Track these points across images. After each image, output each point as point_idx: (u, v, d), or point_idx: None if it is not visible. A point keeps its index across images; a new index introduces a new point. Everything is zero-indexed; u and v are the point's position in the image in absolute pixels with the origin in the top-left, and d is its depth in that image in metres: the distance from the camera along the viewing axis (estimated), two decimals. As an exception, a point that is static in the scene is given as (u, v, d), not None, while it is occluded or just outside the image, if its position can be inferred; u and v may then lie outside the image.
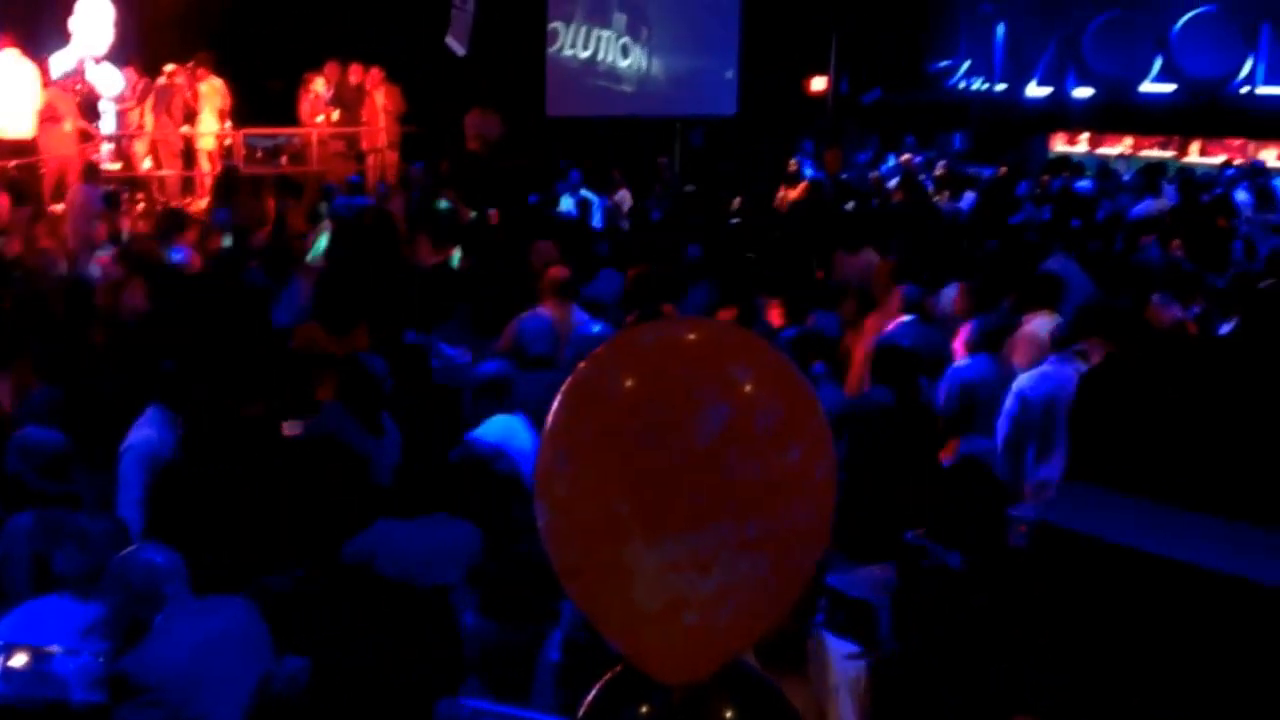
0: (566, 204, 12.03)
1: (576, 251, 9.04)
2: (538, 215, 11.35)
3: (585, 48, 16.59)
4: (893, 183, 13.04)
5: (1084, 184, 13.12)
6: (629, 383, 2.08)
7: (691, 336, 2.20)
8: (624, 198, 12.57)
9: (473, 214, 11.05)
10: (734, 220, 11.13)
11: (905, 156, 14.86)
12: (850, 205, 11.90)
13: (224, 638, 3.61)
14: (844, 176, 13.91)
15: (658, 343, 2.22)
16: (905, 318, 6.82)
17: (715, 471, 1.98)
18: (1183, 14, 15.29)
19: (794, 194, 12.45)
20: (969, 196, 12.03)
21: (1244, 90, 15.00)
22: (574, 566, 2.13)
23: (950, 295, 7.51)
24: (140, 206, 12.33)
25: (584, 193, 12.24)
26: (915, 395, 5.83)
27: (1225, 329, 6.83)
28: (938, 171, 13.31)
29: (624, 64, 16.77)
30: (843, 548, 5.42)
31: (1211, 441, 4.65)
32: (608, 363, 2.19)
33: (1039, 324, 6.73)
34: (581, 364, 2.18)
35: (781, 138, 15.96)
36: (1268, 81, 14.87)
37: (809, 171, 13.70)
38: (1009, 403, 5.84)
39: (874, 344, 6.56)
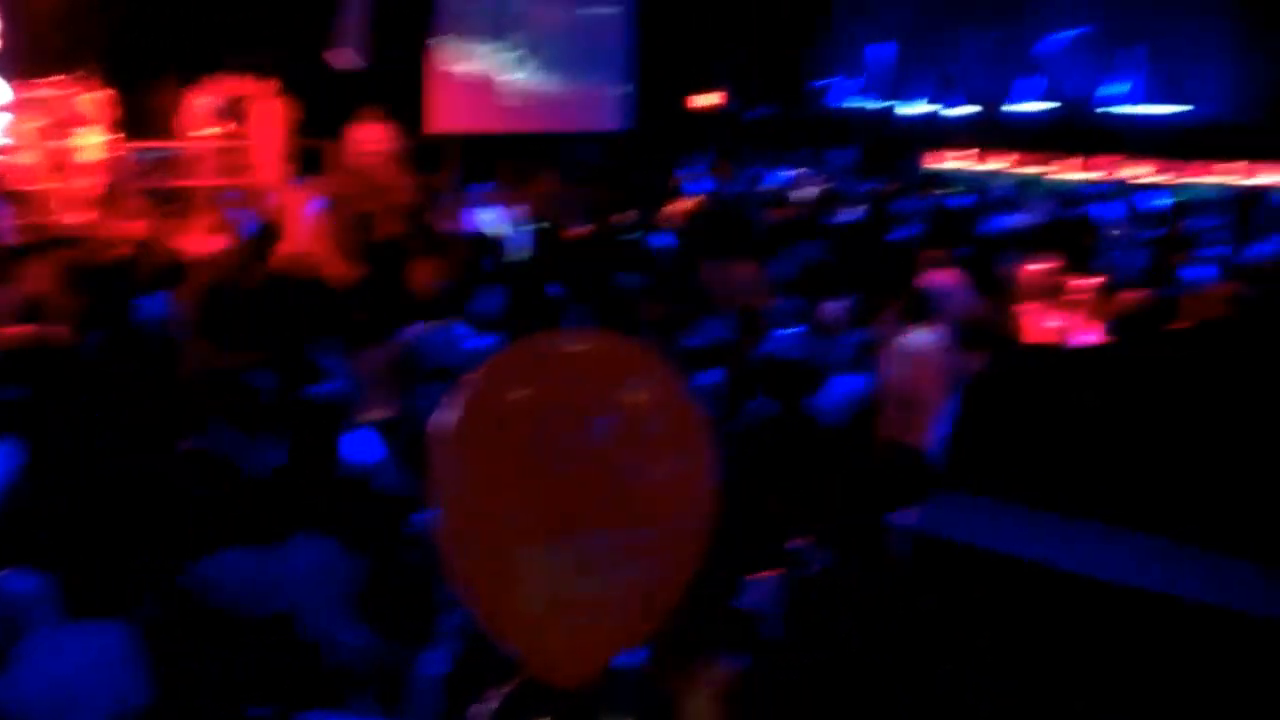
0: (483, 219, 12.03)
1: (465, 266, 9.01)
2: (427, 230, 11.27)
3: (474, 62, 16.53)
4: (795, 195, 13.23)
5: (961, 200, 13.46)
6: (520, 392, 2.14)
7: (581, 348, 2.27)
8: (512, 213, 12.51)
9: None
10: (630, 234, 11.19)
11: (806, 172, 15.09)
12: (743, 218, 12.05)
13: (92, 666, 3.49)
14: (733, 190, 14.08)
15: (549, 354, 2.28)
16: (790, 330, 6.91)
17: (603, 477, 2.04)
18: (1056, 34, 15.82)
19: (684, 207, 12.53)
20: (848, 211, 12.25)
21: (1114, 109, 15.55)
22: (467, 569, 2.17)
23: (835, 308, 7.63)
24: (18, 221, 11.90)
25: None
26: (799, 407, 5.88)
27: (1091, 339, 7.05)
28: (821, 187, 13.54)
29: (512, 78, 16.75)
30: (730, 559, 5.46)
31: (1086, 448, 4.79)
32: (500, 373, 2.22)
33: (916, 337, 6.87)
34: (474, 374, 2.19)
35: (672, 153, 16.11)
36: (1137, 100, 15.44)
37: (695, 186, 13.82)
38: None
39: (759, 356, 6.66)
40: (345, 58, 15.12)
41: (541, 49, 16.77)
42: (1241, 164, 14.90)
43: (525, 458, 2.06)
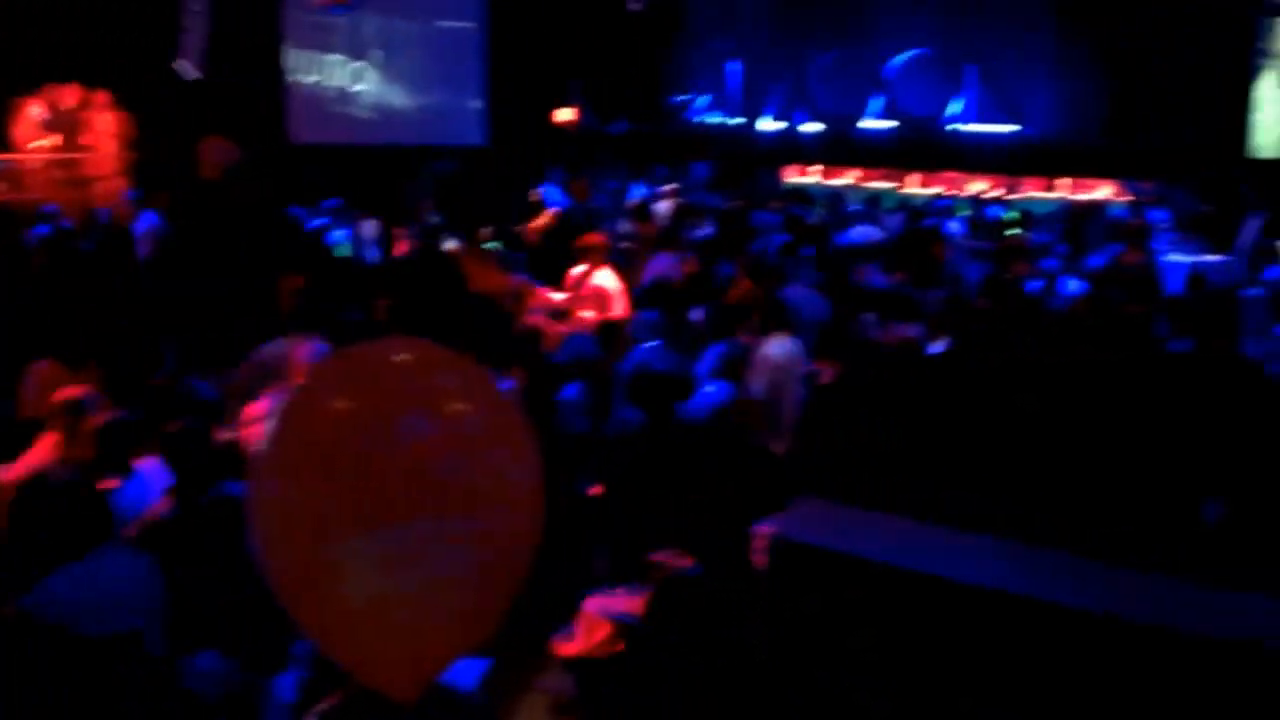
0: (337, 234, 11.91)
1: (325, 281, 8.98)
2: (286, 244, 11.15)
3: (324, 74, 16.38)
4: (661, 206, 13.44)
5: (816, 214, 13.82)
6: (337, 398, 2.18)
7: (399, 354, 2.32)
8: (369, 227, 12.45)
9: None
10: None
11: (672, 187, 15.31)
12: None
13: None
14: (594, 203, 14.21)
15: (367, 362, 2.33)
16: (650, 342, 7.04)
17: (416, 472, 2.09)
18: (897, 55, 16.40)
19: (539, 223, 12.64)
20: (708, 225, 12.48)
21: (954, 127, 16.20)
22: (286, 574, 2.17)
23: (695, 319, 7.81)
24: None
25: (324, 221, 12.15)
26: (667, 418, 6.01)
27: (937, 349, 7.36)
28: (679, 201, 13.78)
29: (363, 91, 16.65)
30: (599, 568, 5.59)
31: (929, 454, 5.05)
32: (319, 381, 2.28)
33: (775, 346, 7.09)
34: (298, 380, 2.26)
35: (531, 168, 16.21)
36: (974, 119, 16.12)
37: (552, 201, 13.93)
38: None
39: (626, 368, 6.78)
40: (189, 70, 14.85)
41: (396, 63, 16.73)
42: (1072, 179, 15.74)
43: (340, 460, 2.09)
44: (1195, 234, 11.71)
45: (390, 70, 16.71)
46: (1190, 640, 3.54)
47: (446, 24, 16.94)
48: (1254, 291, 8.44)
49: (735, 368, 6.65)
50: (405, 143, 16.59)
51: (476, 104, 17.11)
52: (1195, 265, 10.80)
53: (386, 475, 2.07)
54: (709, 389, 6.64)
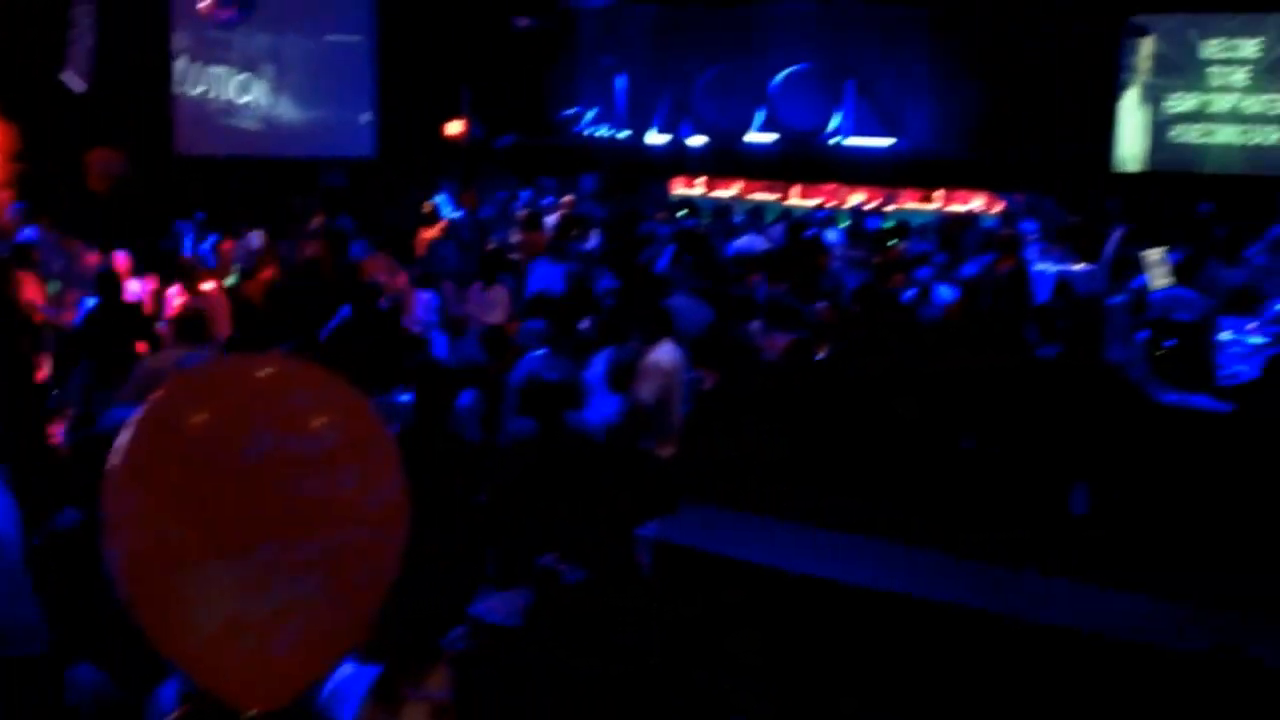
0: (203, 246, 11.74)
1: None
2: (169, 258, 10.98)
3: (210, 86, 16.17)
4: (550, 217, 13.53)
5: (702, 224, 14.03)
6: (192, 413, 2.11)
7: (252, 369, 2.26)
8: (254, 238, 12.31)
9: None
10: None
11: (568, 199, 15.40)
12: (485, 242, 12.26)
13: None
14: (483, 214, 14.24)
15: (223, 374, 2.32)
16: (538, 351, 7.11)
17: (265, 492, 2.02)
18: (779, 71, 16.74)
19: (431, 233, 12.63)
20: (595, 235, 12.60)
21: (834, 140, 16.59)
22: (140, 593, 2.10)
23: (584, 328, 7.91)
24: None
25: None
26: (558, 425, 6.08)
27: (820, 356, 7.56)
28: (564, 213, 13.89)
29: (251, 103, 16.47)
30: (491, 575, 5.64)
31: (808, 458, 5.21)
32: (173, 396, 2.21)
33: (661, 353, 7.22)
34: (150, 397, 2.21)
35: (422, 180, 16.21)
36: (853, 133, 16.53)
37: (447, 211, 13.93)
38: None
39: (516, 377, 6.84)
40: (75, 81, 14.52)
41: (285, 75, 16.60)
42: (946, 191, 16.25)
43: (193, 476, 2.02)
44: (1063, 244, 12.17)
45: (279, 83, 16.58)
46: (1061, 635, 3.70)
47: (335, 37, 16.87)
48: (1117, 300, 8.81)
49: (624, 375, 6.74)
50: (294, 155, 16.46)
51: (366, 117, 17.09)
52: (1062, 274, 11.24)
53: (238, 495, 2.02)
54: (596, 397, 6.74)
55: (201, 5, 12.95)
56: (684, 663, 4.34)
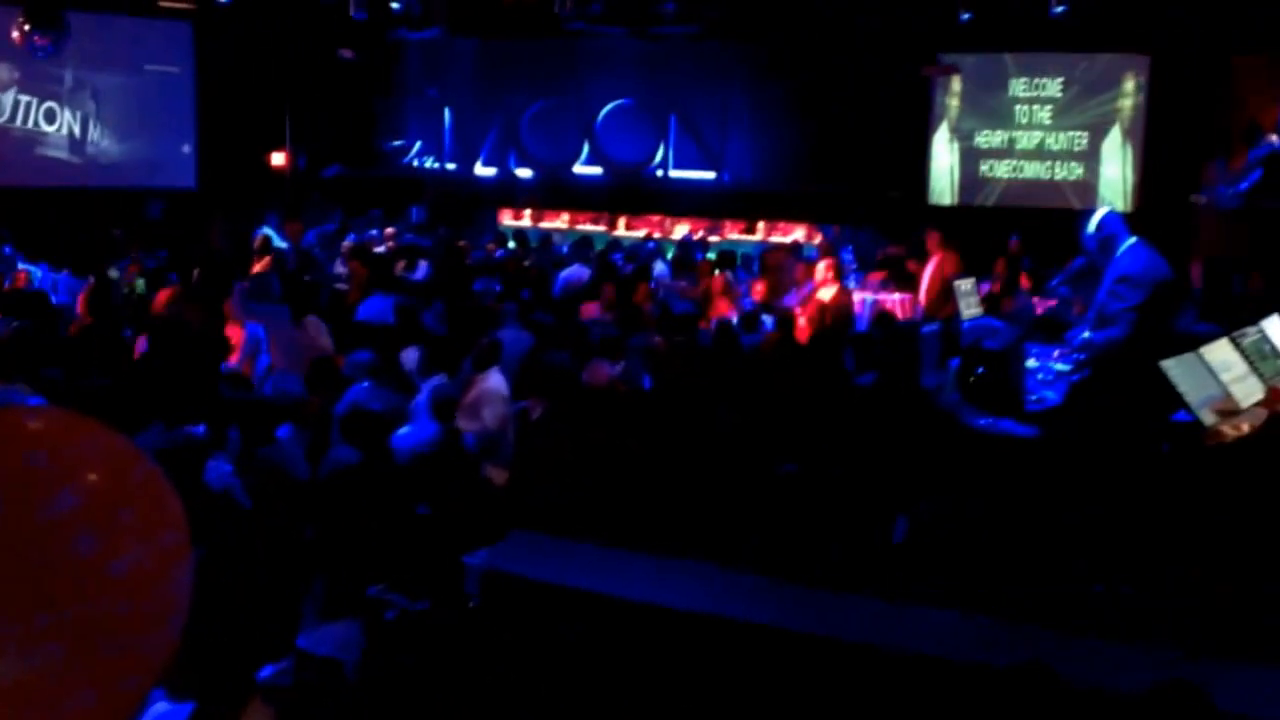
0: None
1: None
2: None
3: (26, 119, 15.54)
4: (380, 249, 13.33)
5: (529, 255, 14.04)
6: None
7: (27, 424, 2.09)
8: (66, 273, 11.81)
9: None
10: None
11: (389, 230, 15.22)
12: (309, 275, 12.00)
13: None
14: (306, 246, 13.97)
15: None
16: (363, 383, 7.01)
17: (24, 554, 1.90)
18: (604, 105, 16.95)
19: (257, 266, 12.34)
20: (423, 266, 12.50)
21: (659, 173, 16.85)
22: None
23: (413, 357, 7.82)
24: None
25: (23, 266, 11.45)
26: (382, 455, 6.02)
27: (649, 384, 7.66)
28: (391, 244, 13.75)
29: (69, 134, 15.89)
30: (314, 607, 5.51)
31: (631, 484, 5.26)
32: None
33: (493, 382, 7.22)
34: None
35: (245, 211, 15.89)
36: (677, 166, 16.83)
37: (281, 243, 13.63)
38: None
39: (340, 408, 6.73)
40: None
41: (104, 107, 16.10)
42: (767, 223, 16.67)
43: None
44: (879, 273, 12.59)
45: (97, 114, 16.07)
46: (881, 655, 3.80)
47: (154, 68, 16.44)
48: (931, 328, 9.15)
49: (449, 404, 6.71)
50: (113, 186, 15.97)
51: (186, 147, 16.70)
52: (879, 303, 11.63)
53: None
54: (423, 426, 6.68)
55: (14, 35, 12.39)
56: (512, 692, 4.31)
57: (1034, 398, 7.97)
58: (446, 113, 17.76)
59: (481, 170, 17.60)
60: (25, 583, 1.89)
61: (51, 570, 1.90)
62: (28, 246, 12.47)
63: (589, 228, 17.10)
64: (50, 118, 15.75)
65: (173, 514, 2.08)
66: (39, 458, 2.00)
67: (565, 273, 12.11)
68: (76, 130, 15.99)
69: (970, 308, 8.81)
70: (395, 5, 14.61)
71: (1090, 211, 7.87)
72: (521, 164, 17.38)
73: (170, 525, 2.07)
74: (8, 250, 12.08)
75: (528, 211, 17.94)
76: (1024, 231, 13.08)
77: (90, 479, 1.98)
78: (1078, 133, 15.03)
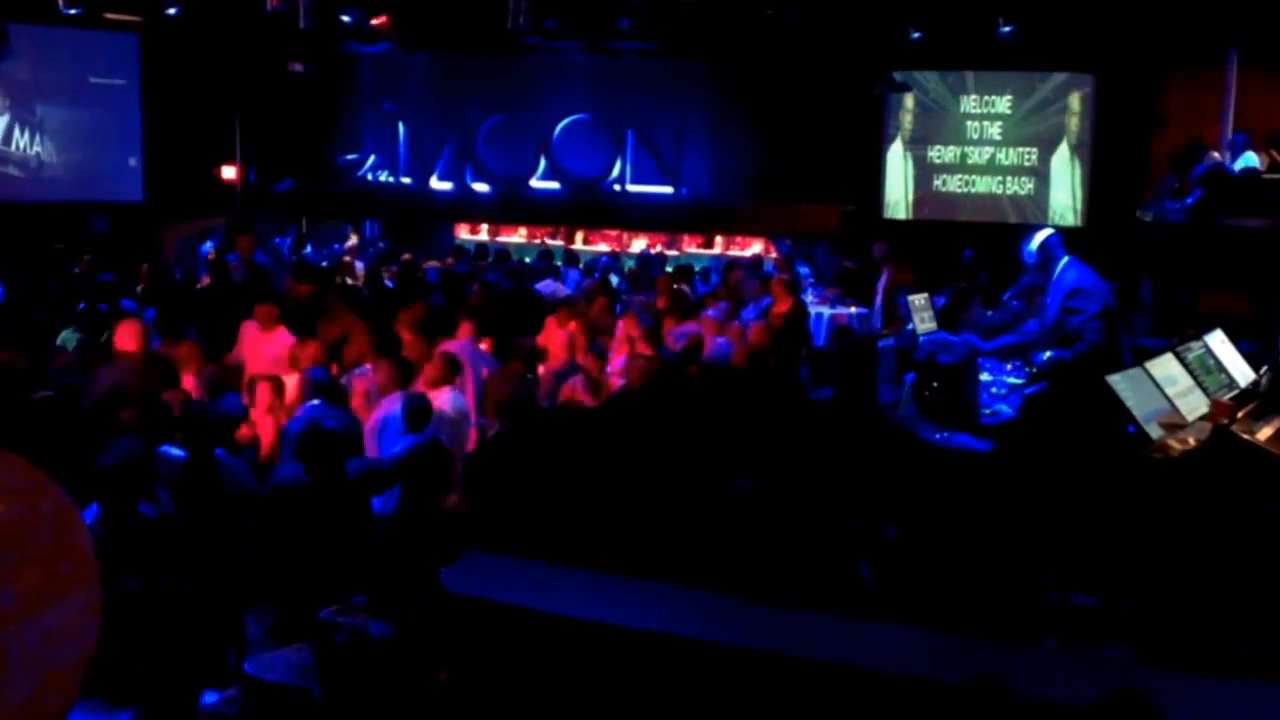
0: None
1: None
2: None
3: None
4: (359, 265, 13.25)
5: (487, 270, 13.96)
6: None
7: None
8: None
9: None
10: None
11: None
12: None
13: None
14: (259, 259, 13.82)
15: None
16: (313, 401, 6.93)
17: None
18: (560, 120, 16.95)
19: (206, 281, 12.21)
20: (386, 280, 12.43)
21: (616, 188, 16.86)
22: None
23: (365, 374, 7.76)
24: None
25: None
26: (336, 475, 5.94)
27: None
28: (345, 258, 13.67)
29: (12, 148, 15.66)
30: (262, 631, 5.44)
31: (585, 503, 5.24)
32: None
33: (444, 399, 7.17)
34: None
35: (194, 224, 15.76)
36: (634, 180, 16.85)
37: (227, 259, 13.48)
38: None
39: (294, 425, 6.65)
40: None
41: (47, 118, 15.90)
42: (724, 236, 16.73)
43: None
44: (835, 288, 12.65)
45: (41, 125, 15.85)
46: (840, 672, 3.79)
47: (99, 80, 16.25)
48: (887, 343, 9.19)
49: (417, 420, 6.63)
50: (56, 200, 15.73)
51: (133, 161, 16.51)
52: (837, 317, 11.69)
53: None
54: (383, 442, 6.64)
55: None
56: (472, 713, 4.29)
57: (988, 411, 8.03)
58: (401, 126, 17.69)
59: (437, 184, 17.53)
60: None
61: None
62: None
63: (548, 242, 17.09)
64: (17, 133, 15.56)
65: (78, 549, 2.11)
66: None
67: (539, 286, 12.09)
68: (21, 143, 15.77)
69: (924, 322, 8.85)
70: (346, 19, 14.52)
71: (1033, 230, 7.94)
72: (478, 178, 17.32)
73: (72, 555, 2.09)
74: None
75: (484, 225, 17.87)
76: (977, 246, 13.19)
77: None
78: (1027, 149, 15.20)
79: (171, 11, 14.81)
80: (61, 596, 2.10)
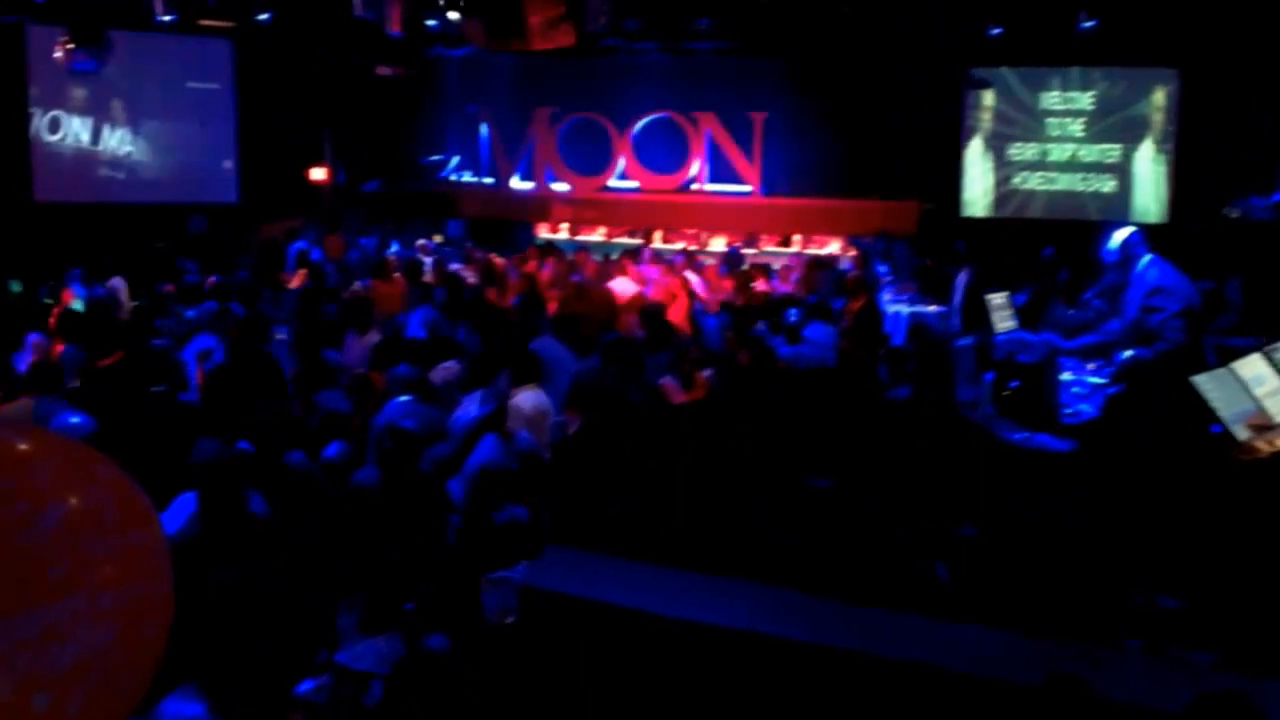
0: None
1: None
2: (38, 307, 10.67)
3: (71, 135, 15.81)
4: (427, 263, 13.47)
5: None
6: None
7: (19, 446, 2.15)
8: (118, 285, 12.01)
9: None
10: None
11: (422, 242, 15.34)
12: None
13: None
14: (349, 260, 14.11)
15: None
16: (403, 397, 7.08)
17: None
18: (638, 120, 17.05)
19: (295, 280, 12.48)
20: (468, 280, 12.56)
21: (694, 186, 16.92)
22: None
23: (449, 369, 7.89)
24: None
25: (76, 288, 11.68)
26: (413, 473, 6.05)
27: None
28: (438, 258, 13.84)
29: (113, 152, 16.17)
30: (354, 622, 5.57)
31: (672, 500, 5.28)
32: None
33: (524, 398, 7.26)
34: None
35: (285, 225, 16.11)
36: (712, 179, 16.89)
37: (312, 258, 13.77)
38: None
39: (379, 422, 6.79)
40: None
41: (146, 123, 16.39)
42: (803, 235, 16.67)
43: None
44: (914, 286, 12.57)
45: (140, 130, 16.32)
46: (921, 671, 3.80)
47: (195, 85, 16.68)
48: (965, 342, 9.12)
49: (498, 418, 6.73)
50: (156, 201, 16.23)
51: (228, 163, 16.93)
52: (916, 316, 11.61)
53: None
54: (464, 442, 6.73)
55: (57, 54, 12.63)
56: (552, 711, 4.35)
57: (1069, 411, 7.95)
58: (484, 127, 17.91)
59: (518, 184, 17.71)
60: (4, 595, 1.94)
61: (29, 586, 1.96)
62: (86, 264, 12.66)
63: (626, 240, 17.18)
64: (100, 137, 16.03)
65: (153, 541, 2.15)
66: (22, 479, 2.08)
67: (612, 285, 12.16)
68: (122, 147, 16.24)
69: (1003, 321, 8.78)
70: (431, 23, 14.76)
71: (1113, 228, 7.86)
72: (557, 178, 17.48)
73: (148, 552, 2.13)
74: (78, 270, 12.28)
75: (564, 225, 18.05)
76: (1058, 244, 13.05)
77: (71, 502, 2.06)
78: (1110, 145, 14.98)
79: (263, 18, 15.17)
80: (131, 592, 2.12)
